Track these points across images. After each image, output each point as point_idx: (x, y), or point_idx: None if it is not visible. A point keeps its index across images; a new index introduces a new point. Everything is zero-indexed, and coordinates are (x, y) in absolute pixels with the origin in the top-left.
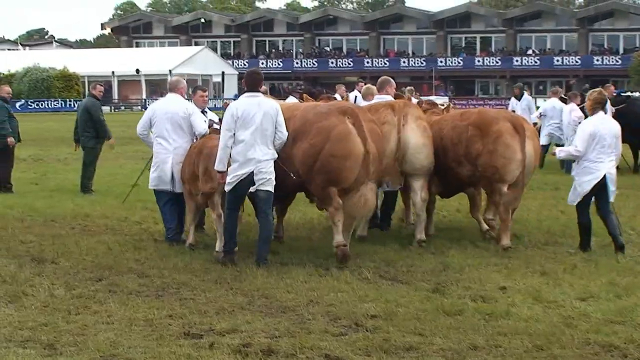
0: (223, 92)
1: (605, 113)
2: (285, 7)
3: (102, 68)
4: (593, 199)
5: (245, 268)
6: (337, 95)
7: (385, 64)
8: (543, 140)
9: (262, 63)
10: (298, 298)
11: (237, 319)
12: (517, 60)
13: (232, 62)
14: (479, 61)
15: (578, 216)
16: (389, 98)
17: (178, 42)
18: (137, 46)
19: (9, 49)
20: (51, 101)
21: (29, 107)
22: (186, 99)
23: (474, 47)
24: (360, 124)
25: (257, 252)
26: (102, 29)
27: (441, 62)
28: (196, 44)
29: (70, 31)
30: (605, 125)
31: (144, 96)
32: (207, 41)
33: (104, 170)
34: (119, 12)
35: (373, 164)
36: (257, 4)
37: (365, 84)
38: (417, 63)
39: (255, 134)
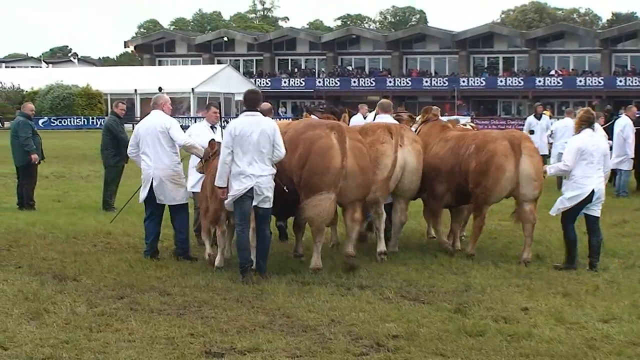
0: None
1: (594, 131)
2: (307, 26)
3: (124, 86)
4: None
5: (266, 286)
6: (359, 115)
7: (407, 83)
8: (553, 160)
9: (285, 82)
10: (319, 317)
11: (258, 338)
12: (539, 81)
13: (255, 81)
14: (501, 81)
15: (564, 231)
16: (389, 119)
17: (201, 61)
18: (159, 64)
19: (32, 67)
20: (74, 118)
21: (52, 124)
22: (169, 115)
23: (497, 67)
24: (343, 139)
25: (256, 264)
26: (125, 47)
27: (463, 82)
28: (219, 62)
29: (93, 49)
30: (594, 142)
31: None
32: (230, 59)
33: (126, 188)
34: (142, 30)
35: (345, 179)
36: (280, 22)
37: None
38: (440, 83)
39: (252, 151)
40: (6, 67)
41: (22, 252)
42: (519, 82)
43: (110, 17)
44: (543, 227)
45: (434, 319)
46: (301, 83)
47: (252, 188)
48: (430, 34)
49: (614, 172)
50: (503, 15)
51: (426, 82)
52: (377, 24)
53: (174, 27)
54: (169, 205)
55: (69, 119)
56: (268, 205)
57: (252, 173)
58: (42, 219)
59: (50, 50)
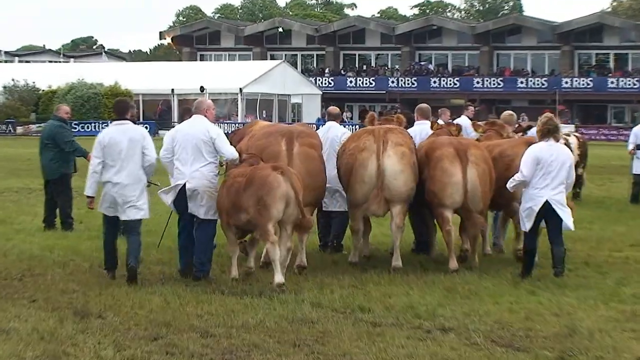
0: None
1: (557, 141)
2: (379, 15)
3: (159, 84)
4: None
5: (329, 327)
6: (440, 121)
7: (498, 84)
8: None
9: (351, 81)
10: None
11: None
12: None
13: (315, 80)
14: (612, 82)
15: (525, 241)
16: (427, 126)
17: (251, 56)
18: (201, 59)
19: (50, 61)
20: (99, 123)
21: (73, 129)
22: (213, 122)
23: (607, 65)
24: (291, 146)
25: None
26: (160, 39)
27: (566, 82)
28: (272, 57)
29: (123, 41)
30: (553, 152)
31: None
32: (286, 54)
33: (161, 207)
34: (180, 18)
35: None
36: (346, 11)
37: (475, 108)
38: (537, 84)
39: (121, 160)
40: (20, 61)
41: (37, 282)
42: (634, 84)
43: (143, 3)
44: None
45: None
46: (371, 83)
47: (114, 195)
48: (527, 25)
49: None
50: (615, 4)
51: (521, 82)
52: (463, 12)
53: (219, 15)
54: (195, 219)
55: (93, 124)
56: (138, 216)
57: (119, 182)
58: (61, 244)
59: (72, 42)
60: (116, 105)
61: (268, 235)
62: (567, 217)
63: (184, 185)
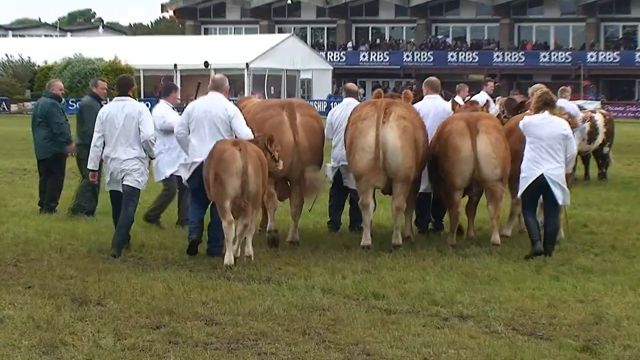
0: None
1: (552, 114)
2: None
3: (161, 60)
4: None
5: (341, 314)
6: (458, 98)
7: (520, 58)
8: None
9: (364, 56)
10: (409, 355)
11: None
12: None
13: (326, 55)
14: None
15: (523, 215)
16: (438, 99)
17: (258, 29)
18: (206, 33)
19: (45, 35)
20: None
21: (70, 107)
22: (229, 100)
23: (635, 38)
24: (294, 116)
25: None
26: (162, 12)
27: (592, 56)
28: (280, 31)
29: (123, 14)
30: (545, 125)
31: None
32: (295, 27)
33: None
34: None
35: (306, 154)
36: None
37: (495, 84)
38: (561, 58)
39: (118, 136)
40: (14, 35)
41: (33, 268)
42: None
43: None
44: None
45: (556, 359)
46: (385, 57)
47: (118, 171)
48: None
49: None
50: None
51: (544, 57)
52: None
53: None
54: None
55: None
56: (129, 182)
57: (116, 157)
58: (58, 227)
59: (69, 15)
60: (118, 81)
61: (224, 214)
62: (559, 194)
63: (201, 163)
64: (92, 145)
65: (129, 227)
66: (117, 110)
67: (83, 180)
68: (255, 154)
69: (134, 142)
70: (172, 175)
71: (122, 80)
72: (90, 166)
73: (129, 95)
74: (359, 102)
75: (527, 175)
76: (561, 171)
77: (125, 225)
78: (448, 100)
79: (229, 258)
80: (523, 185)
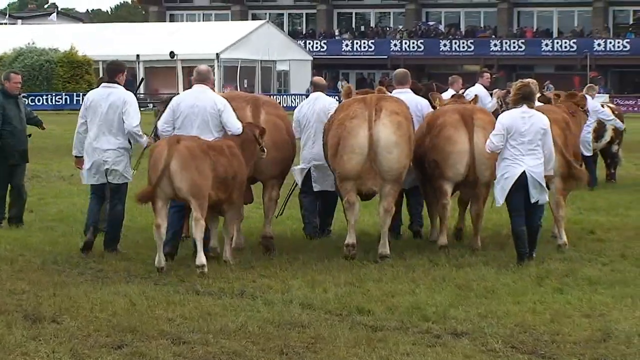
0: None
1: (532, 108)
2: None
3: (123, 50)
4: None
5: (322, 332)
6: (451, 91)
7: (519, 47)
8: None
9: (347, 45)
10: None
11: None
12: None
13: (305, 44)
14: None
15: (511, 224)
16: (409, 94)
17: (229, 15)
18: (171, 20)
19: None
20: (52, 96)
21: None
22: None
23: None
24: (258, 114)
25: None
26: None
27: (599, 45)
28: (254, 17)
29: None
30: (525, 120)
31: (181, 89)
32: (270, 13)
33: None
34: None
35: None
36: None
37: (492, 75)
38: (565, 46)
39: (101, 124)
40: None
41: None
42: None
43: None
44: None
45: None
46: (370, 46)
47: (100, 162)
48: None
49: None
50: None
51: (546, 45)
52: None
53: None
54: None
55: (45, 96)
56: (118, 180)
57: (98, 147)
58: (7, 236)
59: (19, 0)
60: (107, 66)
61: (154, 214)
62: (535, 192)
63: None
64: (75, 131)
65: (120, 225)
66: (101, 98)
67: None
68: (187, 150)
69: (117, 132)
70: None
71: (111, 66)
72: (74, 152)
73: (117, 82)
74: (327, 97)
75: (509, 174)
76: (542, 169)
77: (116, 225)
78: (442, 93)
79: (158, 260)
80: (507, 186)
